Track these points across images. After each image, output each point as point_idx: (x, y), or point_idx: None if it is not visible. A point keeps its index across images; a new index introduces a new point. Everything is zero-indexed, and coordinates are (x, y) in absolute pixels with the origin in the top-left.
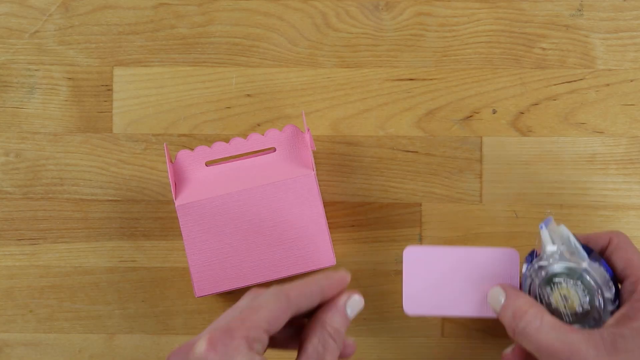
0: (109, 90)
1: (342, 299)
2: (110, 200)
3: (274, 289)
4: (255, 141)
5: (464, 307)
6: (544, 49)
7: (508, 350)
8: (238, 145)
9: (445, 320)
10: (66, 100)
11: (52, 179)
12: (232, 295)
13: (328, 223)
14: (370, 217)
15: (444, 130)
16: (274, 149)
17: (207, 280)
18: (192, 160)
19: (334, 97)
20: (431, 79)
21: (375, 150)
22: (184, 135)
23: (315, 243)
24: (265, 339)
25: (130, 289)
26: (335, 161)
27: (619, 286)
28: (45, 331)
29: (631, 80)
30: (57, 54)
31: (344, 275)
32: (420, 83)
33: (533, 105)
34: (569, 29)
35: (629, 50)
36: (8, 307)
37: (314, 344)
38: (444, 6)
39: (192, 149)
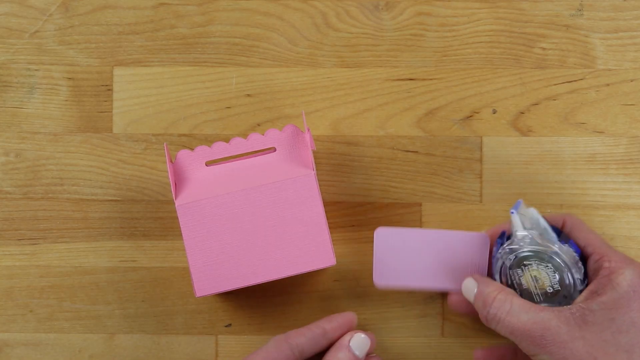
0: (109, 90)
1: (346, 337)
2: (111, 200)
3: (276, 336)
4: (255, 141)
5: (434, 281)
6: (544, 48)
7: (479, 352)
8: (238, 145)
9: (445, 320)
10: (66, 100)
11: (52, 179)
12: (233, 295)
13: (328, 223)
14: (370, 217)
15: (444, 130)
16: (274, 149)
17: (207, 280)
18: (192, 160)
19: (334, 97)
20: (431, 79)
21: (375, 150)
22: (184, 135)
23: (315, 243)
24: None
25: (131, 289)
26: (335, 161)
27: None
28: (46, 331)
29: (631, 80)
30: (57, 54)
31: (349, 317)
32: (420, 83)
33: (533, 105)
34: (569, 29)
35: (629, 50)
36: (8, 307)
37: None
38: (444, 6)
39: (192, 149)
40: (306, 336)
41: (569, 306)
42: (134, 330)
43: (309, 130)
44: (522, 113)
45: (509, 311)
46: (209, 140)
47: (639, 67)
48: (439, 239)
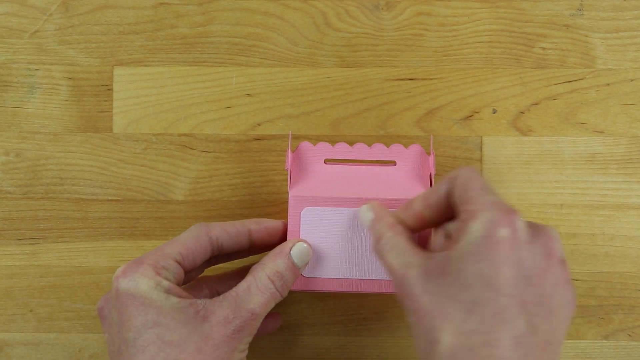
0: (109, 90)
1: (288, 244)
2: (111, 200)
3: (198, 225)
4: (379, 151)
5: (363, 271)
6: (544, 48)
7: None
8: (361, 151)
9: None
10: (66, 100)
11: (52, 178)
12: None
13: None
14: None
15: (444, 129)
16: (394, 163)
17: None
18: (312, 154)
19: (334, 97)
20: (431, 79)
21: None
22: (184, 135)
23: None
24: (176, 268)
25: None
26: None
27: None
28: (46, 331)
29: (631, 80)
30: (57, 54)
31: (277, 225)
32: (420, 83)
33: (533, 104)
34: (569, 29)
35: (629, 49)
36: (8, 307)
37: (248, 280)
38: (444, 6)
39: (314, 144)
40: (229, 233)
41: (439, 253)
42: None
43: (433, 154)
44: (522, 113)
45: (390, 250)
46: (209, 140)
47: (639, 66)
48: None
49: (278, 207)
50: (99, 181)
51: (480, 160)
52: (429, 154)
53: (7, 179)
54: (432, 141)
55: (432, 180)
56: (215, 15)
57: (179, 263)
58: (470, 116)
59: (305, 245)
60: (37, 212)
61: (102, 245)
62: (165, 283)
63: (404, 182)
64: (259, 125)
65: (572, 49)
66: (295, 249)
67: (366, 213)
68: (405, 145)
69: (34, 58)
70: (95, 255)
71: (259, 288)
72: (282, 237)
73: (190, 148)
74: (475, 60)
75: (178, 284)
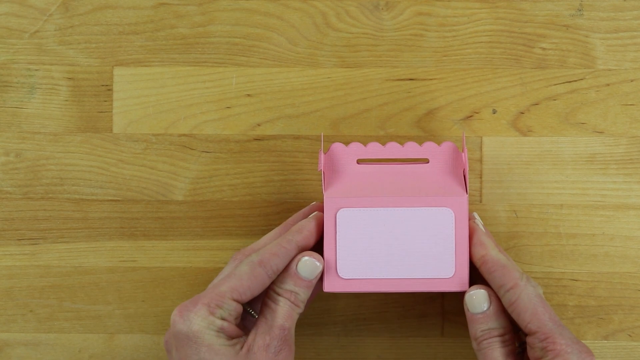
0: (109, 90)
1: (293, 262)
2: (110, 200)
3: (249, 260)
4: (411, 149)
5: (400, 270)
6: (544, 48)
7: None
8: (393, 149)
9: (445, 320)
10: (66, 100)
11: (52, 178)
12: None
13: None
14: None
15: (444, 130)
16: (427, 161)
17: (336, 277)
18: (344, 155)
19: (334, 97)
20: (431, 79)
21: None
22: (184, 135)
23: (455, 263)
24: (230, 305)
25: (130, 288)
26: None
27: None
28: (46, 331)
29: (631, 80)
30: (57, 54)
31: (315, 221)
32: (420, 83)
33: (533, 105)
34: (569, 29)
35: (629, 50)
36: (8, 307)
37: (267, 303)
38: (444, 6)
39: (346, 144)
40: (280, 256)
41: None
42: (134, 330)
43: (466, 150)
44: (522, 113)
45: (493, 354)
46: (209, 141)
47: (639, 67)
48: (402, 217)
49: (278, 207)
50: (99, 181)
51: (480, 160)
52: (461, 150)
53: (7, 179)
54: (464, 138)
55: (466, 176)
56: (215, 16)
57: (235, 300)
58: (470, 116)
59: (307, 258)
60: (37, 213)
61: (102, 245)
62: (218, 322)
63: (438, 179)
64: (258, 125)
65: (572, 49)
66: (300, 266)
67: (482, 299)
68: (438, 143)
69: (34, 58)
70: (95, 256)
71: (278, 306)
72: (321, 229)
73: (190, 148)
74: (475, 60)
75: (237, 317)
